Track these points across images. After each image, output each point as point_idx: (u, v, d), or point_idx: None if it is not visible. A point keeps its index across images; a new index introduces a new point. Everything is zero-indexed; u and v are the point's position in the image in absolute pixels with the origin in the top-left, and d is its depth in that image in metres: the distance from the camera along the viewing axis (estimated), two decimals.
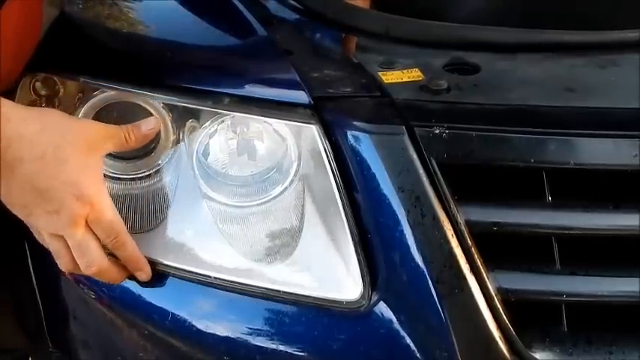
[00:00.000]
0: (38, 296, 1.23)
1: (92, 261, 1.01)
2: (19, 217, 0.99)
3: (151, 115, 1.08)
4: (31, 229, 1.02)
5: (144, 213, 1.09)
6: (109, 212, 1.00)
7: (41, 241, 1.03)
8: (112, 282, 1.06)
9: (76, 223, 0.98)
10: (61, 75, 1.11)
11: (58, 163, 0.95)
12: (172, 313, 1.08)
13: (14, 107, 0.96)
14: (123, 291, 1.10)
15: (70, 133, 0.97)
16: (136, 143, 1.05)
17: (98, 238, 1.01)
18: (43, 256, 1.16)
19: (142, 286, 1.09)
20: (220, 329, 1.07)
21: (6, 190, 0.95)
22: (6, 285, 1.28)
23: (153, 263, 1.07)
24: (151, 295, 1.10)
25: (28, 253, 1.22)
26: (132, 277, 1.08)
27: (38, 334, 1.26)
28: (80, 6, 1.24)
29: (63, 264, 1.02)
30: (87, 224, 0.99)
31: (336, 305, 1.03)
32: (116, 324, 1.14)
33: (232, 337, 1.06)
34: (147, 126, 1.05)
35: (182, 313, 1.08)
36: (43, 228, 1.00)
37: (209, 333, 1.07)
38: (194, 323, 1.07)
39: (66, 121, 0.99)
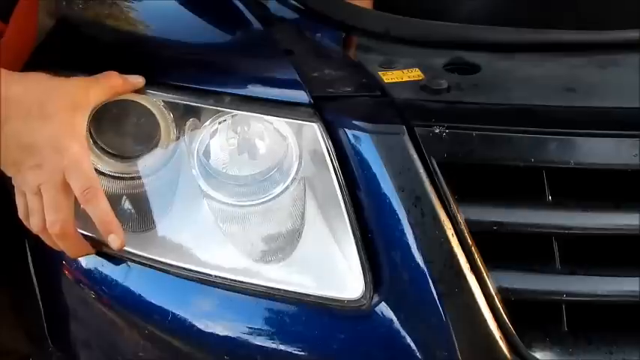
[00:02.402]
0: (38, 296, 1.23)
1: (59, 219, 1.01)
2: (10, 175, 1.02)
3: (152, 114, 1.09)
4: (17, 192, 1.04)
5: (144, 212, 1.09)
6: (86, 164, 1.01)
7: (21, 206, 1.04)
8: (71, 253, 1.06)
9: (56, 175, 0.99)
10: (61, 73, 1.11)
11: (43, 119, 0.98)
12: (172, 313, 1.08)
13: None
14: (123, 291, 1.10)
15: (55, 91, 1.00)
16: (123, 88, 1.06)
17: (71, 201, 1.01)
18: (44, 256, 1.16)
19: (142, 285, 1.09)
20: (221, 329, 1.07)
21: None
22: (6, 285, 1.29)
23: (153, 262, 1.07)
24: (151, 295, 1.10)
25: (28, 253, 1.22)
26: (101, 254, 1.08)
27: (38, 335, 1.26)
28: (80, 6, 1.24)
29: (34, 224, 1.03)
30: (65, 181, 1.00)
31: (337, 304, 1.03)
32: (116, 324, 1.14)
33: (233, 336, 1.06)
34: (134, 78, 1.07)
35: (182, 313, 1.08)
36: (28, 185, 1.01)
37: (209, 332, 1.07)
38: (194, 323, 1.07)
39: (50, 80, 1.01)
